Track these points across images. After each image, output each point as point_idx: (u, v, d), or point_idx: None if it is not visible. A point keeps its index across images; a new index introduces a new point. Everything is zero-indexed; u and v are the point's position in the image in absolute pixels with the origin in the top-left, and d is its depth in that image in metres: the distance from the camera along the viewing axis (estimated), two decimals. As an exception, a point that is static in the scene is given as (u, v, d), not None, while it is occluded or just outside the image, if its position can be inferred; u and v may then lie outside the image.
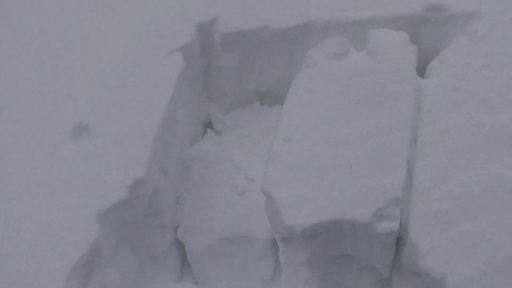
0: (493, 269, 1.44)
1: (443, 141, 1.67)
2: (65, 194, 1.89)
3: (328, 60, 1.91)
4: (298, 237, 1.64)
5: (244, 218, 2.09)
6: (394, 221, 1.58)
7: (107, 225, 1.87)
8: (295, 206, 1.66)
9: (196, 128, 2.36)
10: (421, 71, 1.91)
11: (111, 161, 1.94)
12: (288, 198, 1.68)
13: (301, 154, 1.76)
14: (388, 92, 1.77)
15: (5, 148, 2.03)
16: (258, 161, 2.19)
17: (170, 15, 2.28)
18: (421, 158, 1.67)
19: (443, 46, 1.90)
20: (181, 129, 2.19)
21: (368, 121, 1.74)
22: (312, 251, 1.72)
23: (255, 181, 2.14)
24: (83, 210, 1.83)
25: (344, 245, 1.71)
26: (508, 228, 1.49)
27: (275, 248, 2.07)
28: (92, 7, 2.45)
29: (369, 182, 1.64)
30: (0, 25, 2.54)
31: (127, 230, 2.00)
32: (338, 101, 1.81)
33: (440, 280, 1.47)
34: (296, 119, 1.83)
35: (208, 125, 2.42)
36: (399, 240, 1.71)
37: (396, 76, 1.80)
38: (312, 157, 1.73)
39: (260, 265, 2.11)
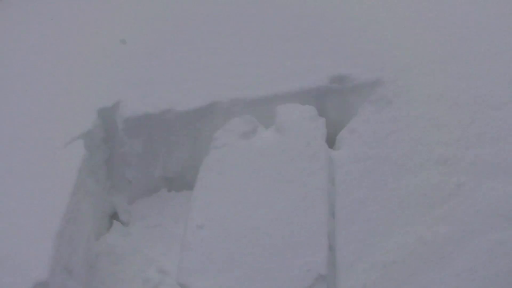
0: None
1: (361, 211, 1.65)
2: None
3: (236, 140, 1.88)
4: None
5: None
6: None
7: None
8: None
9: (101, 221, 2.21)
10: (331, 142, 1.91)
11: (8, 264, 1.76)
12: None
13: (216, 240, 1.67)
14: (300, 168, 1.75)
15: None
16: (171, 252, 2.06)
17: (69, 100, 2.18)
18: (342, 231, 1.63)
19: (350, 116, 1.92)
20: (85, 223, 2.02)
21: (283, 200, 1.69)
22: None
23: (169, 273, 1.99)
24: None
25: None
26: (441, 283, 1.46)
27: None
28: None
29: (291, 262, 1.57)
30: None
31: None
32: (250, 182, 1.76)
33: None
34: (208, 204, 1.75)
35: (114, 216, 2.28)
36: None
37: (307, 150, 1.78)
38: (228, 243, 1.65)
39: None
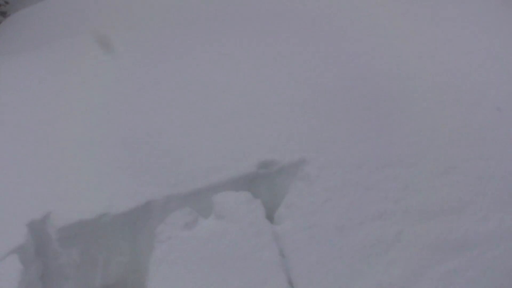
0: None
1: (317, 272, 1.83)
2: None
3: (179, 232, 2.01)
4: None
5: None
6: None
7: None
8: None
9: None
10: (270, 221, 2.10)
11: None
12: None
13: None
14: (249, 246, 1.92)
15: None
16: None
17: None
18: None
19: (283, 195, 2.14)
20: None
21: (241, 277, 1.83)
22: None
23: None
24: None
25: None
26: None
27: None
28: None
29: None
30: None
31: None
32: (203, 269, 1.88)
33: None
34: (166, 296, 1.84)
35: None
36: None
37: (251, 230, 1.96)
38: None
39: None
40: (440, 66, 2.67)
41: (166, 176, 2.20)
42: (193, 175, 2.18)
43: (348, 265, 1.87)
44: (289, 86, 2.59)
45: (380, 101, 2.46)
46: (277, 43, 2.90)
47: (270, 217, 2.08)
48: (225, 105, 2.50)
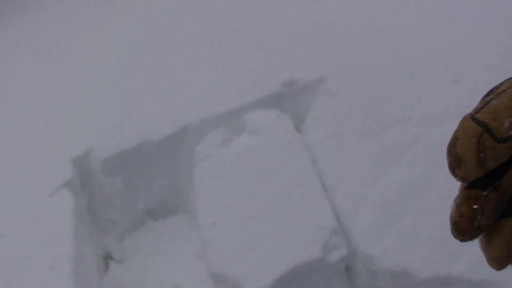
0: (436, 244, 1.85)
1: (346, 173, 2.08)
2: None
3: (217, 150, 2.24)
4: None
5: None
6: (341, 248, 1.92)
7: None
8: (251, 273, 1.89)
9: (98, 263, 2.39)
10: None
11: None
12: (241, 270, 1.90)
13: (231, 231, 2.01)
14: (283, 156, 2.15)
15: None
16: (177, 269, 2.33)
17: (42, 152, 2.40)
18: (336, 193, 2.04)
19: (307, 111, 2.37)
20: (90, 263, 2.22)
21: (279, 183, 2.08)
22: None
23: (185, 287, 2.25)
24: None
25: None
26: (427, 211, 1.93)
27: None
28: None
29: (304, 228, 1.95)
30: None
31: None
32: (245, 178, 2.13)
33: (404, 270, 1.84)
34: (212, 205, 2.09)
35: (107, 257, 2.47)
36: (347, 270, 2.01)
37: (283, 141, 2.20)
38: (243, 231, 2.00)
39: None
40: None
41: (198, 101, 2.41)
42: (224, 98, 2.40)
43: (373, 165, 2.11)
44: (305, 12, 2.79)
45: (391, 22, 2.66)
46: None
47: (298, 130, 2.30)
48: (247, 32, 2.70)
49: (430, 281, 1.86)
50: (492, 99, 0.48)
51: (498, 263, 0.48)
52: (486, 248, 0.48)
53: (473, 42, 2.57)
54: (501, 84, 0.55)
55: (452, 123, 2.00)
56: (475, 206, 0.46)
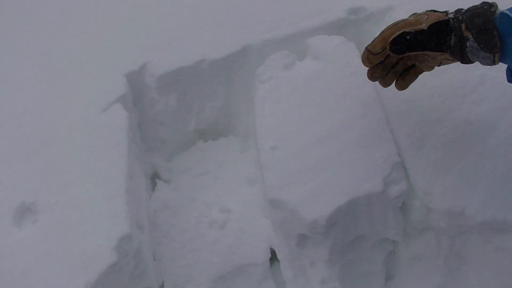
0: (496, 188, 1.87)
1: (410, 108, 2.07)
2: (42, 279, 1.86)
3: (280, 72, 2.23)
4: (323, 228, 1.88)
5: (233, 249, 2.22)
6: (401, 183, 1.94)
7: None
8: (309, 201, 1.91)
9: (146, 182, 2.44)
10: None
11: (85, 228, 1.96)
12: (299, 197, 1.92)
13: (291, 158, 2.02)
14: (347, 84, 2.14)
15: None
16: (226, 193, 2.37)
17: (95, 67, 2.42)
18: (399, 128, 2.04)
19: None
20: (140, 182, 2.27)
21: (341, 113, 2.07)
22: (332, 242, 1.96)
23: (232, 211, 2.31)
24: None
25: (360, 225, 1.99)
26: (489, 154, 1.93)
27: (273, 269, 2.25)
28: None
29: (366, 160, 1.96)
30: None
31: None
32: (307, 103, 2.12)
33: (462, 211, 1.86)
34: (272, 129, 2.09)
35: (154, 176, 2.52)
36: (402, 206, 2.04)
37: (348, 69, 2.18)
38: (303, 158, 2.00)
39: (261, 291, 2.24)
40: None
41: (258, 23, 2.39)
42: (286, 22, 2.38)
43: (437, 103, 2.10)
44: None
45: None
46: None
47: (362, 60, 2.28)
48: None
49: (486, 224, 1.88)
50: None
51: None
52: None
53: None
54: (412, 14, 1.67)
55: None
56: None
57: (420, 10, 1.94)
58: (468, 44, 1.51)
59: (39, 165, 2.17)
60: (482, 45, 1.48)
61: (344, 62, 2.20)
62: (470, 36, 1.49)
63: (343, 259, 2.04)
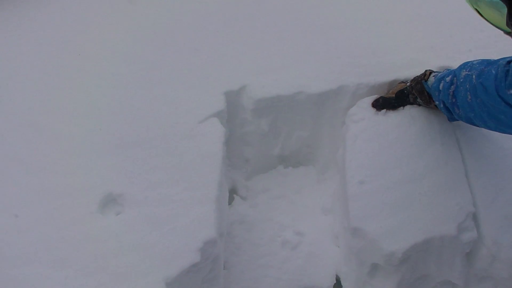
0: None
1: (489, 163, 2.49)
2: (122, 267, 2.20)
3: (372, 115, 2.66)
4: (398, 260, 2.29)
5: (302, 270, 2.64)
6: (473, 231, 2.37)
7: None
8: (389, 234, 2.35)
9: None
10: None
11: (170, 227, 2.30)
12: (380, 229, 2.36)
13: (376, 193, 2.45)
14: (434, 133, 2.57)
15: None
16: (301, 218, 2.80)
17: (197, 83, 2.84)
18: (476, 180, 2.46)
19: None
20: (225, 193, 2.66)
21: (426, 158, 2.50)
22: (402, 276, 2.39)
23: (305, 235, 2.72)
24: (149, 282, 2.16)
25: (428, 265, 2.42)
26: None
27: (336, 295, 2.65)
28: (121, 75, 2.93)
29: (444, 205, 2.40)
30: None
31: None
32: (394, 147, 2.55)
33: None
34: (363, 164, 2.53)
35: (231, 192, 2.92)
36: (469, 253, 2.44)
37: (436, 118, 2.60)
38: (387, 195, 2.44)
39: (320, 314, 2.63)
40: None
41: (356, 67, 2.84)
42: (381, 69, 2.81)
43: (510, 165, 2.51)
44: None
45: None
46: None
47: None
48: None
49: None
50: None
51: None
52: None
53: None
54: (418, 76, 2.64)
55: None
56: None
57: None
58: (418, 101, 2.63)
59: (131, 160, 2.54)
60: (422, 102, 2.60)
61: (433, 111, 2.62)
62: (417, 96, 2.60)
63: None
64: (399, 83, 2.74)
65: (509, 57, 2.07)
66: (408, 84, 2.66)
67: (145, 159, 2.55)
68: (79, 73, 2.94)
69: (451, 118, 2.53)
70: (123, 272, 2.18)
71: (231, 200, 2.89)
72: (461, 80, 2.26)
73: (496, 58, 2.15)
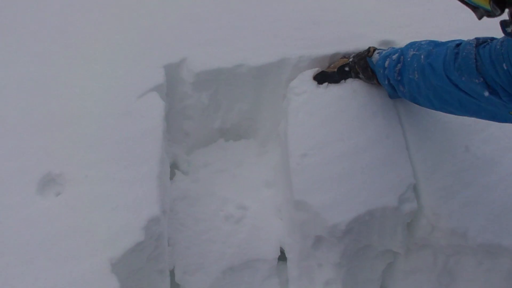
0: (495, 216, 2.45)
1: (428, 136, 2.60)
2: (65, 250, 2.17)
3: (314, 88, 2.70)
4: (341, 232, 2.36)
5: (246, 243, 2.70)
6: (413, 202, 2.48)
7: (120, 276, 2.16)
8: (332, 207, 2.42)
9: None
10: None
11: (112, 206, 2.29)
12: (323, 202, 2.43)
13: (319, 166, 2.52)
14: (376, 106, 2.65)
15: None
16: (243, 191, 2.84)
17: (137, 57, 2.81)
18: (417, 153, 2.55)
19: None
20: (167, 169, 2.67)
21: (367, 132, 2.57)
22: (345, 247, 2.48)
23: (248, 208, 2.77)
24: (93, 263, 2.15)
25: (370, 235, 2.51)
26: (492, 186, 2.50)
27: (280, 267, 2.70)
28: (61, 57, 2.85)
29: (385, 177, 2.49)
30: None
31: (129, 280, 2.33)
32: (337, 119, 2.62)
33: (464, 232, 2.43)
34: (304, 138, 2.58)
35: (172, 166, 2.92)
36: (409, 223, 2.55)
37: (378, 92, 2.67)
38: (330, 168, 2.51)
39: (264, 287, 2.70)
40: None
41: (297, 39, 2.87)
42: (323, 42, 2.86)
43: (450, 136, 2.64)
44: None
45: None
46: None
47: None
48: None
49: (483, 246, 2.46)
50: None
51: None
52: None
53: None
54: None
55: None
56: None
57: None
58: (360, 76, 2.69)
59: (69, 138, 2.51)
60: (365, 77, 2.67)
61: (375, 86, 2.70)
62: (360, 71, 2.66)
63: (349, 264, 2.55)
64: (341, 58, 2.82)
65: (457, 40, 2.18)
66: (350, 59, 2.73)
67: (84, 137, 2.52)
68: (11, 50, 2.88)
69: (394, 95, 2.63)
70: (66, 255, 2.15)
71: (172, 175, 2.91)
72: (409, 59, 2.34)
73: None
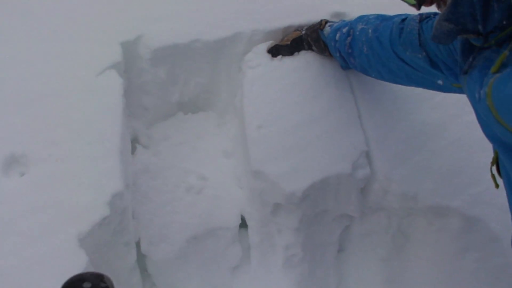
0: (443, 180, 2.70)
1: (379, 105, 2.79)
2: (34, 227, 2.26)
3: (268, 61, 2.87)
4: (298, 199, 2.56)
5: (208, 213, 2.89)
6: (366, 168, 2.70)
7: (88, 250, 2.27)
8: (288, 176, 2.64)
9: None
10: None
11: (77, 183, 2.40)
12: (280, 171, 2.64)
13: (275, 136, 2.73)
14: (329, 77, 2.86)
15: None
16: (204, 162, 3.01)
17: (93, 34, 2.96)
18: (368, 121, 2.75)
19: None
20: (128, 144, 2.82)
21: (321, 102, 2.77)
22: (303, 212, 2.69)
23: (208, 179, 2.96)
24: (61, 239, 2.25)
25: (327, 200, 2.74)
26: (440, 151, 2.74)
27: (242, 234, 2.89)
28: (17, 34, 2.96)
29: (339, 145, 2.71)
30: None
31: (97, 254, 2.40)
32: (292, 90, 2.81)
33: (415, 195, 2.67)
34: (260, 109, 2.78)
35: (133, 141, 3.06)
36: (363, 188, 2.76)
37: (330, 64, 2.88)
38: (285, 138, 2.73)
39: (228, 253, 2.91)
40: None
41: (251, 13, 3.05)
42: (277, 15, 3.03)
43: (401, 104, 2.86)
44: None
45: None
46: None
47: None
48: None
49: (432, 209, 2.73)
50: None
51: None
52: None
53: None
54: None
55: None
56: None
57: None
58: (313, 48, 2.86)
59: (31, 118, 2.63)
60: (317, 49, 2.85)
61: (328, 58, 2.89)
62: (312, 44, 2.84)
63: (308, 229, 2.78)
64: (294, 30, 3.01)
65: (403, 14, 2.38)
66: (303, 32, 2.91)
67: (44, 116, 2.63)
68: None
69: (345, 66, 2.84)
70: (34, 233, 2.25)
71: (133, 149, 3.07)
72: (357, 33, 2.54)
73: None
